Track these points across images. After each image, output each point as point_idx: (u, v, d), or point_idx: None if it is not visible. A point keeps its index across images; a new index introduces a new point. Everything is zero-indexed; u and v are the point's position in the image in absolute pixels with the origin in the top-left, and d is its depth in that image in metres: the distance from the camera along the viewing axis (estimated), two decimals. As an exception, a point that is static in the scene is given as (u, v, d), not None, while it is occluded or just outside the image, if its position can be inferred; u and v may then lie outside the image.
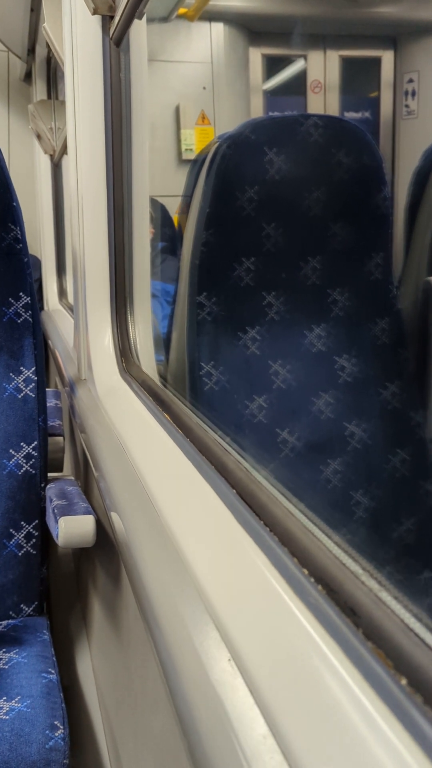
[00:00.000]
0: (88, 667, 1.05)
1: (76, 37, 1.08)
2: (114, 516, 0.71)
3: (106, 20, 1.04)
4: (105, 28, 1.04)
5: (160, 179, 2.96)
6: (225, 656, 0.40)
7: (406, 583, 0.39)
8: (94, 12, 1.01)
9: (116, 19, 0.99)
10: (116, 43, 1.04)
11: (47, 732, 0.76)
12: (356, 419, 1.25)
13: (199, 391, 1.17)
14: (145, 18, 1.04)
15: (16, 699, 0.80)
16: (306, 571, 0.41)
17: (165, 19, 2.83)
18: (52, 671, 0.87)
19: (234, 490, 0.55)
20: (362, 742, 0.31)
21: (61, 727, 0.77)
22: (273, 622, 0.40)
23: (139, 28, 1.06)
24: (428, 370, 1.32)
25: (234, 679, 0.39)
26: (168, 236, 2.64)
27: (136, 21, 0.99)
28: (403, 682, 0.31)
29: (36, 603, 1.04)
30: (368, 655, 0.33)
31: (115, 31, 1.01)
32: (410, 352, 1.31)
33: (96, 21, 1.05)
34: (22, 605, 1.03)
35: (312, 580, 0.40)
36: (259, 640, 0.40)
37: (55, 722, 0.77)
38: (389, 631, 0.33)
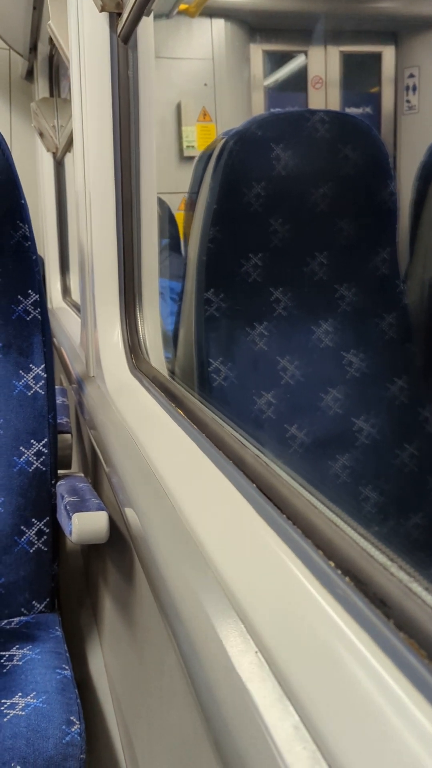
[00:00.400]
0: (99, 662, 1.05)
1: (83, 35, 1.08)
2: (128, 511, 0.72)
3: (114, 17, 1.04)
4: (113, 25, 1.04)
5: (161, 176, 2.95)
6: (252, 649, 0.41)
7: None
8: (102, 9, 1.00)
9: (124, 16, 0.98)
10: (124, 41, 1.04)
11: (63, 727, 0.76)
12: (364, 415, 1.25)
13: (208, 388, 1.18)
14: (152, 15, 1.04)
15: (32, 695, 0.80)
16: (332, 564, 0.41)
17: (166, 16, 2.82)
18: (66, 667, 0.88)
19: (254, 484, 0.55)
20: (395, 730, 0.31)
21: (77, 722, 0.78)
22: (299, 614, 0.40)
23: (147, 25, 1.06)
24: (436, 364, 1.32)
25: (262, 671, 0.39)
26: (170, 234, 2.64)
27: (143, 18, 0.99)
28: (438, 671, 0.31)
29: (48, 600, 1.05)
30: (401, 645, 0.33)
31: (123, 28, 1.01)
32: (417, 347, 1.31)
33: (103, 18, 1.05)
34: (33, 602, 1.03)
35: (339, 572, 0.40)
36: (286, 633, 0.40)
37: (71, 717, 0.78)
38: (422, 621, 0.33)
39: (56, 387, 1.51)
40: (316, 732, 0.33)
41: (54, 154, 2.40)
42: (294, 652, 0.38)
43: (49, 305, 2.60)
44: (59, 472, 1.14)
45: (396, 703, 0.32)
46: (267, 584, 0.44)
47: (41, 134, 2.36)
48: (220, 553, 0.50)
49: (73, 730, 0.76)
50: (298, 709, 0.35)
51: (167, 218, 2.65)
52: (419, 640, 0.32)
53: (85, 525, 0.85)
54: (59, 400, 1.46)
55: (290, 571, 0.43)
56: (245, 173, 1.18)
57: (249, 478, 0.56)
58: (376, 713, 0.32)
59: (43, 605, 1.04)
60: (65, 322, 2.03)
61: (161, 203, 2.72)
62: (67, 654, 0.92)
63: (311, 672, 0.36)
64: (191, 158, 3.13)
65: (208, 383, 1.18)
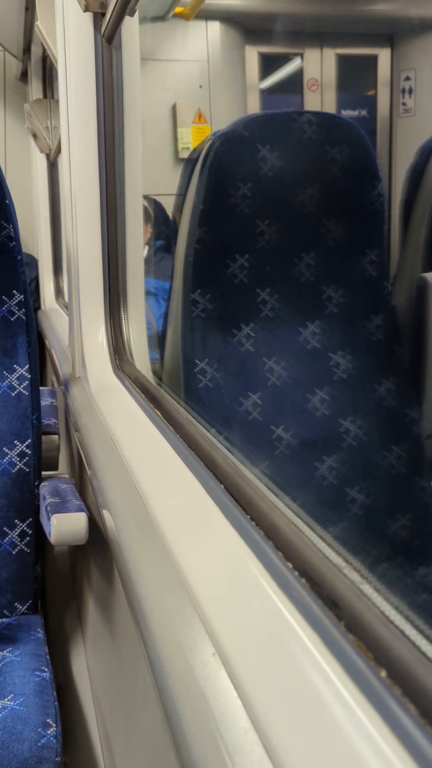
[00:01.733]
0: (82, 664, 1.05)
1: (69, 35, 1.08)
2: (106, 513, 0.71)
3: (98, 17, 1.04)
4: (97, 25, 1.04)
5: (157, 178, 2.96)
6: (209, 650, 0.40)
7: (401, 580, 0.39)
8: (86, 9, 1.00)
9: (107, 16, 0.98)
10: (108, 41, 1.03)
11: (39, 730, 0.76)
12: (351, 416, 1.25)
13: (194, 389, 1.17)
14: (137, 16, 1.04)
15: (9, 697, 0.80)
16: (290, 565, 0.40)
17: (161, 18, 2.82)
18: (46, 669, 0.87)
19: (222, 485, 0.55)
20: (342, 734, 0.31)
21: (54, 724, 0.77)
22: (257, 616, 0.40)
23: (131, 26, 1.06)
24: (423, 366, 1.32)
25: (217, 672, 0.38)
26: (165, 234, 2.64)
27: (127, 18, 0.99)
28: (383, 674, 0.31)
29: (30, 601, 1.04)
30: (349, 647, 0.33)
31: (106, 28, 1.01)
32: (405, 348, 1.31)
33: (88, 18, 1.05)
34: (16, 604, 1.03)
35: (296, 573, 0.40)
36: (243, 634, 0.40)
37: (48, 720, 0.77)
38: (370, 623, 0.33)
39: (46, 388, 1.51)
40: (264, 735, 0.33)
41: (47, 155, 2.40)
42: (248, 654, 0.38)
43: (42, 306, 2.60)
44: (44, 473, 1.14)
45: (343, 707, 0.31)
46: (228, 586, 0.44)
47: (35, 135, 2.36)
48: (186, 556, 0.50)
49: (49, 732, 0.76)
50: (249, 712, 0.35)
51: (161, 219, 2.65)
52: (367, 643, 0.32)
53: (64, 526, 0.85)
54: (48, 401, 1.45)
55: (250, 573, 0.43)
56: (231, 174, 1.18)
57: (218, 479, 0.56)
58: (323, 717, 0.32)
59: (25, 607, 1.04)
60: (57, 323, 2.03)
61: (156, 204, 2.72)
62: (47, 656, 0.92)
63: (264, 674, 0.36)
64: (186, 160, 3.13)
65: (194, 384, 1.18)
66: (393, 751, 0.28)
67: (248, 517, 0.48)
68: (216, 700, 0.37)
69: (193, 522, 0.54)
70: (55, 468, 1.34)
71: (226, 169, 1.18)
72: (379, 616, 0.33)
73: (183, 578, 0.48)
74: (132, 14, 0.97)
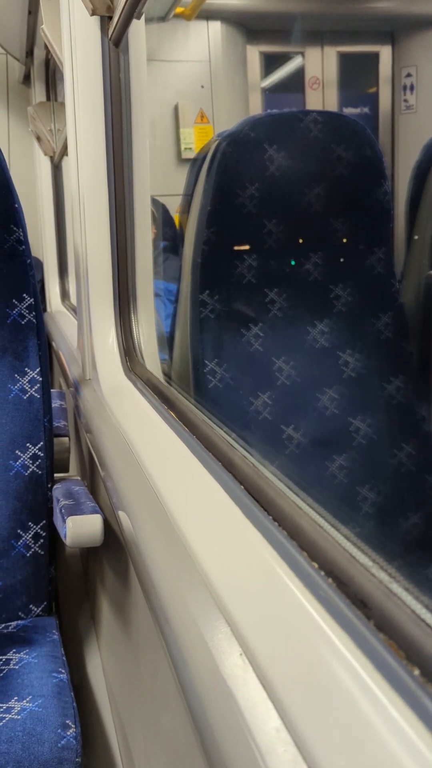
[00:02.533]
0: (97, 665, 1.05)
1: (75, 39, 1.08)
2: (122, 515, 0.72)
3: (105, 21, 1.04)
4: (104, 28, 1.04)
5: (159, 178, 2.96)
6: (236, 651, 0.41)
7: (415, 578, 0.39)
8: (93, 13, 1.01)
9: (115, 19, 0.99)
10: (115, 44, 1.04)
11: (59, 731, 0.76)
12: (361, 414, 1.25)
13: (204, 389, 1.18)
14: (143, 18, 1.04)
15: (28, 699, 0.80)
16: (316, 565, 0.41)
17: (162, 19, 2.83)
18: (63, 671, 0.88)
19: (241, 486, 0.55)
20: (375, 732, 0.31)
21: (73, 726, 0.77)
22: (283, 616, 0.40)
23: (138, 29, 1.07)
24: (431, 363, 1.32)
25: (245, 673, 0.39)
26: (169, 236, 2.64)
27: (134, 21, 0.99)
28: (416, 672, 0.31)
29: (45, 603, 1.05)
30: (380, 646, 0.33)
31: (113, 31, 1.01)
32: (413, 346, 1.31)
33: (95, 22, 1.05)
34: (31, 606, 1.03)
35: (322, 573, 0.40)
36: (270, 634, 0.40)
37: (67, 721, 0.78)
38: (400, 622, 0.33)
39: (55, 390, 1.51)
40: (296, 734, 0.33)
41: (51, 158, 2.40)
42: (277, 653, 0.38)
43: (48, 309, 2.60)
44: (56, 475, 1.14)
45: (375, 706, 0.31)
46: (253, 586, 0.44)
47: (38, 138, 2.37)
48: (208, 557, 0.50)
49: (68, 733, 0.76)
50: (280, 711, 0.35)
51: (165, 220, 2.65)
52: (398, 641, 0.32)
53: (79, 528, 0.85)
54: (57, 403, 1.46)
55: (275, 573, 0.43)
56: (238, 175, 1.18)
57: (237, 480, 0.56)
58: (356, 716, 0.32)
59: (40, 609, 1.04)
60: (63, 325, 2.03)
61: (159, 205, 2.73)
62: (64, 658, 0.92)
63: (293, 674, 0.36)
64: (189, 160, 3.14)
65: (204, 384, 1.18)
66: (429, 749, 0.28)
67: (270, 517, 0.48)
68: (245, 700, 0.37)
69: (214, 523, 0.54)
70: (66, 470, 1.34)
71: (233, 169, 1.18)
72: (410, 615, 0.33)
73: (206, 579, 0.48)
74: (139, 17, 0.98)
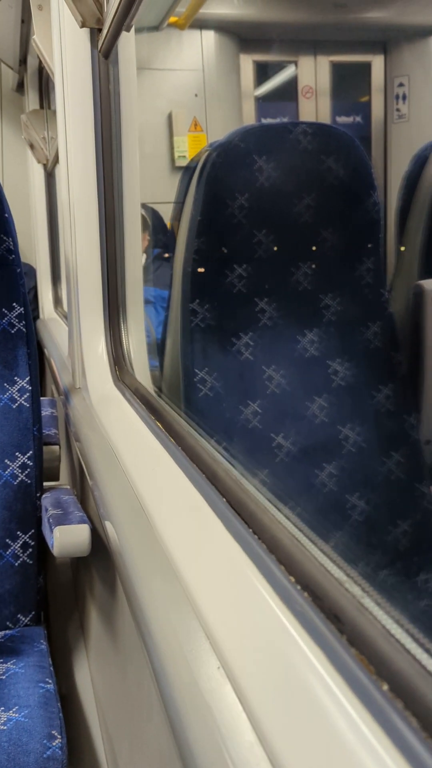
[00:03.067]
0: (86, 675, 1.05)
1: (65, 50, 1.09)
2: (108, 525, 0.72)
3: (95, 33, 1.05)
4: (93, 40, 1.05)
5: (153, 186, 2.97)
6: (214, 664, 0.41)
7: (402, 590, 0.40)
8: (83, 25, 1.01)
9: (104, 31, 0.99)
10: (105, 56, 1.04)
11: (45, 741, 0.76)
12: (350, 423, 1.26)
13: (194, 398, 1.18)
14: (133, 30, 1.05)
15: (14, 709, 0.80)
16: (293, 579, 0.41)
17: (156, 29, 2.84)
18: (50, 681, 0.88)
19: (224, 499, 0.55)
20: (346, 748, 0.31)
21: (59, 736, 0.77)
22: (261, 630, 0.40)
23: (128, 41, 1.07)
24: (420, 372, 1.32)
25: (222, 686, 0.39)
26: (163, 243, 2.65)
27: (124, 33, 1.00)
28: (385, 687, 0.31)
29: (33, 613, 1.05)
30: (351, 661, 0.33)
31: (103, 43, 1.02)
32: (402, 355, 1.31)
33: (84, 34, 1.06)
34: (19, 615, 1.03)
35: (298, 587, 0.40)
36: (247, 648, 0.40)
37: (53, 731, 0.78)
38: (371, 636, 0.33)
39: (46, 398, 1.51)
40: (270, 750, 0.34)
41: (44, 166, 2.41)
42: (253, 668, 0.38)
43: (40, 315, 2.60)
44: (46, 484, 1.14)
45: (346, 721, 0.32)
46: (232, 600, 0.45)
47: (32, 146, 2.37)
48: (189, 570, 0.50)
49: (54, 744, 0.76)
50: (254, 726, 0.36)
51: (158, 228, 2.66)
52: (369, 656, 0.33)
53: (67, 538, 0.85)
54: (48, 411, 1.46)
55: (253, 587, 0.43)
56: (228, 185, 1.19)
57: (220, 492, 0.57)
58: (327, 731, 0.32)
59: (28, 618, 1.04)
60: (56, 332, 2.03)
61: (153, 212, 2.74)
62: (51, 668, 0.92)
63: (268, 689, 0.37)
64: (183, 168, 3.15)
65: (194, 393, 1.19)
66: (396, 764, 0.29)
67: (251, 530, 0.49)
68: (221, 713, 0.37)
69: (196, 535, 0.54)
70: (56, 478, 1.34)
71: (223, 179, 1.19)
72: (380, 630, 0.33)
73: (187, 591, 0.48)
74: (128, 29, 0.98)
